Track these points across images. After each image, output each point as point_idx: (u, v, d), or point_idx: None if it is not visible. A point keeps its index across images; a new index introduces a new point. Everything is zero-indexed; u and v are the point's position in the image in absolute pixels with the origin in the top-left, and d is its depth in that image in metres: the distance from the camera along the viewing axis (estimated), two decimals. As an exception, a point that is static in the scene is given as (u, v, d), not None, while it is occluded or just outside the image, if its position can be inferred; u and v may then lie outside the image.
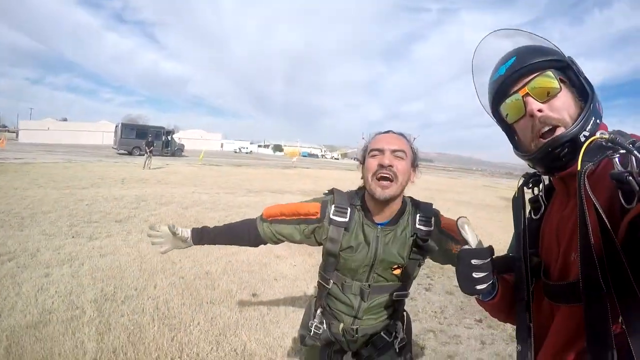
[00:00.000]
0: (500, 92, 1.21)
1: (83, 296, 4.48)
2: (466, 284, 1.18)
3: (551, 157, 1.11)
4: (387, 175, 1.66)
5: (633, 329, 0.83)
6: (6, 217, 7.97)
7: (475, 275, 1.16)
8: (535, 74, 1.12)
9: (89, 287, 4.75)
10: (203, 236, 1.98)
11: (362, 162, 1.80)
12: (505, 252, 1.37)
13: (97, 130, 68.00)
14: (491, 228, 11.56)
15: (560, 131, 1.08)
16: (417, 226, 1.81)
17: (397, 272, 1.84)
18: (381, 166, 1.66)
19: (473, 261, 1.16)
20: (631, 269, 0.81)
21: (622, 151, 0.88)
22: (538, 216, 1.27)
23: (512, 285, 1.25)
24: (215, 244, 2.01)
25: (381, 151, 1.69)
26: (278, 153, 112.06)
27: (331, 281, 1.91)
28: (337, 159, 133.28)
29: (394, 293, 1.87)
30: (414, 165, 1.81)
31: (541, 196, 1.28)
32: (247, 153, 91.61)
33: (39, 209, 9.03)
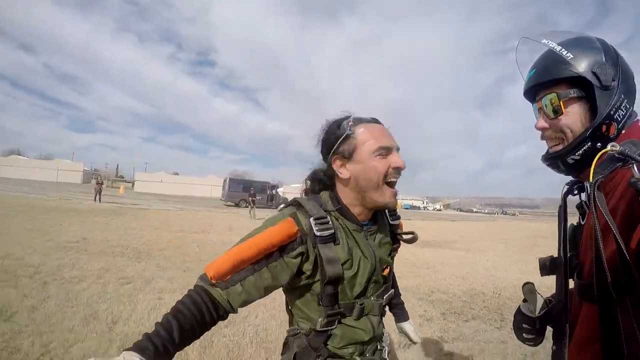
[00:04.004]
0: (528, 97, 1.30)
1: (191, 317, 4.66)
2: (517, 336, 1.41)
3: (553, 168, 1.23)
4: (397, 180, 1.40)
5: None
6: (125, 250, 8.69)
7: (525, 335, 1.37)
8: (547, 92, 1.18)
9: (197, 310, 4.93)
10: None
11: (348, 156, 1.37)
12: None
13: (206, 184, 72.61)
14: None
15: (556, 148, 1.19)
16: (391, 222, 1.58)
17: (386, 272, 1.51)
18: (398, 169, 1.37)
19: (524, 325, 1.35)
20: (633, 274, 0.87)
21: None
22: (585, 221, 1.27)
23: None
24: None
25: (389, 150, 1.36)
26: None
27: (336, 319, 1.38)
28: (440, 209, 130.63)
29: (385, 297, 1.52)
30: None
31: (585, 202, 1.27)
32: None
33: (154, 247, 9.72)
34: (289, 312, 1.53)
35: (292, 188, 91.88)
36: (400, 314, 1.95)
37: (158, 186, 68.23)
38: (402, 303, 1.99)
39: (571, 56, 1.12)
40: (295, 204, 1.39)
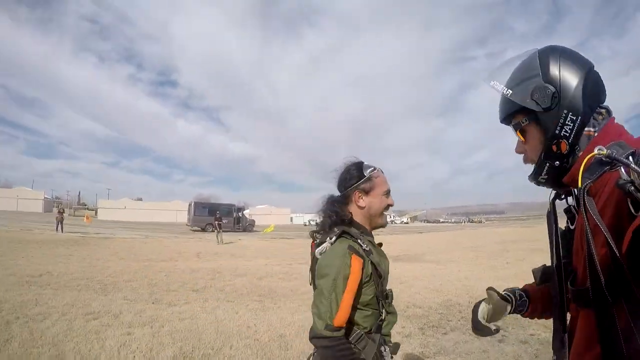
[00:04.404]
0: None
1: (163, 353, 4.50)
2: (474, 331, 1.62)
3: (538, 185, 1.29)
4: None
5: None
6: (90, 283, 8.44)
7: (476, 332, 1.61)
8: (510, 123, 1.30)
9: (169, 345, 4.77)
10: None
11: (367, 192, 1.93)
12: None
13: (171, 209, 71.48)
14: None
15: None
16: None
17: None
18: (390, 206, 1.99)
19: (475, 322, 1.60)
20: (634, 277, 0.88)
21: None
22: (574, 226, 1.27)
23: (546, 294, 1.46)
24: None
25: (389, 192, 1.99)
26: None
27: (384, 310, 1.89)
28: (407, 222, 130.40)
29: None
30: None
31: (573, 206, 1.29)
32: (316, 224, 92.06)
33: (121, 278, 9.47)
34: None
35: (258, 210, 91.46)
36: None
37: (122, 213, 66.68)
38: None
39: (510, 92, 1.22)
40: (344, 233, 1.82)
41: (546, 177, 1.22)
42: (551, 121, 1.15)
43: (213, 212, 36.57)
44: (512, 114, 1.27)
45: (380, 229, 2.05)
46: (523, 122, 1.24)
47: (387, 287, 1.92)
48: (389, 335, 1.95)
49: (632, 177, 0.88)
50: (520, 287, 1.62)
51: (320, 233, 1.94)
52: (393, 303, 1.97)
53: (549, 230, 1.32)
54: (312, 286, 1.95)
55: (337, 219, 1.88)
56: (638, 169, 0.87)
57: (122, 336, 5.03)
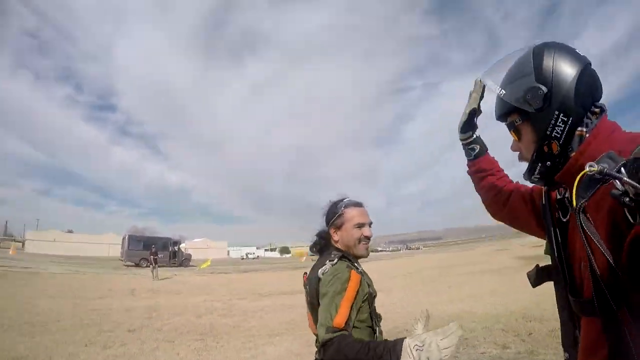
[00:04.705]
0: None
1: (101, 402, 4.22)
2: None
3: (531, 183, 1.34)
4: (368, 242, 2.16)
5: None
6: (16, 324, 7.84)
7: None
8: (506, 122, 1.31)
9: (107, 393, 4.48)
10: None
11: (339, 227, 2.13)
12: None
13: (103, 243, 67.92)
14: (511, 289, 11.88)
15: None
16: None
17: None
18: (367, 237, 2.12)
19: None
20: (634, 285, 0.90)
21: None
22: (567, 218, 1.26)
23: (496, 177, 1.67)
24: None
25: (363, 224, 2.12)
26: (285, 255, 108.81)
27: (377, 329, 2.00)
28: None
29: None
30: None
31: (567, 198, 1.26)
32: (254, 258, 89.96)
33: (50, 317, 8.90)
34: None
35: (195, 243, 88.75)
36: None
37: (51, 246, 62.34)
38: None
39: (504, 92, 1.23)
40: (343, 257, 1.99)
41: (539, 177, 1.24)
42: (543, 122, 1.15)
43: (148, 246, 34.84)
44: (507, 112, 1.27)
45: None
46: (517, 122, 1.24)
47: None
48: None
49: (625, 188, 0.87)
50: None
51: (315, 254, 2.22)
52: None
53: (545, 225, 1.33)
54: (310, 311, 2.14)
55: (326, 243, 2.17)
56: (631, 181, 0.86)
57: (54, 385, 4.66)
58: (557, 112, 1.13)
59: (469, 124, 1.70)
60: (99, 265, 33.81)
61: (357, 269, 1.98)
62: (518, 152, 1.33)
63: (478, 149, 1.71)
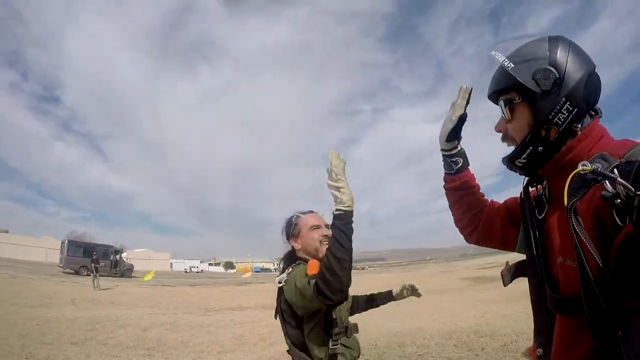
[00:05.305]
0: (492, 100, 1.36)
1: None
2: None
3: (510, 169, 1.30)
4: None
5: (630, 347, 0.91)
6: (-51, 335, 7.35)
7: None
8: (500, 98, 1.28)
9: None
10: None
11: (297, 235, 2.21)
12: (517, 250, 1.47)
13: (41, 247, 64.56)
14: (457, 308, 12.02)
15: (509, 150, 1.28)
16: None
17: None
18: (326, 236, 2.13)
19: None
20: (621, 288, 0.90)
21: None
22: (542, 215, 1.28)
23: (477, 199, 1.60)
24: None
25: (318, 226, 2.19)
26: (230, 270, 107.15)
27: (339, 338, 2.03)
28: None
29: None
30: None
31: (545, 196, 1.29)
32: (198, 272, 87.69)
33: (-16, 326, 8.35)
34: (304, 349, 2.01)
35: (137, 253, 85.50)
36: (386, 292, 2.76)
37: (-18, 247, 58.72)
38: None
39: (512, 65, 1.18)
40: (298, 263, 2.11)
41: (525, 161, 1.22)
42: (547, 105, 1.14)
43: (89, 253, 33.60)
44: (505, 89, 1.25)
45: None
46: (516, 100, 1.21)
47: (352, 322, 2.19)
48: None
49: (617, 190, 0.89)
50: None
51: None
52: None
53: (523, 219, 1.33)
54: (281, 320, 2.14)
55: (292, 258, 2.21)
56: (624, 182, 0.87)
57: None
58: (564, 99, 1.12)
59: (455, 133, 1.58)
60: (37, 271, 32.18)
61: None
62: (502, 133, 1.34)
63: (461, 163, 1.62)
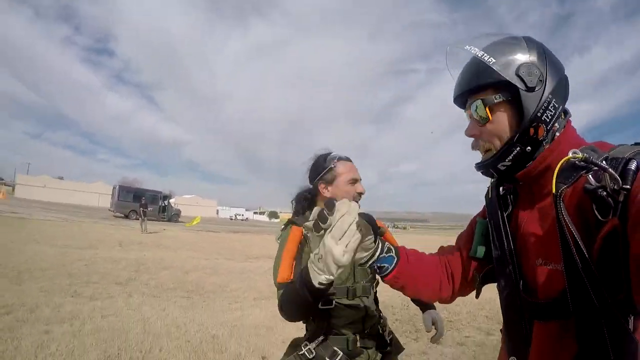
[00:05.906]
0: (458, 104, 1.24)
1: (86, 356, 4.20)
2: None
3: (486, 175, 1.21)
4: (359, 199, 2.03)
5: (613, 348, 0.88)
6: (3, 270, 7.79)
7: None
8: (474, 99, 1.14)
9: (92, 347, 4.46)
10: None
11: (330, 182, 1.99)
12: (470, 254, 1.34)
13: (93, 192, 67.55)
14: None
15: (487, 155, 1.16)
16: None
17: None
18: (360, 194, 2.03)
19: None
20: (604, 282, 0.87)
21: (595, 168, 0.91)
22: (507, 212, 1.23)
23: (420, 268, 1.33)
24: None
25: (356, 180, 2.03)
26: (274, 220, 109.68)
27: (332, 299, 1.81)
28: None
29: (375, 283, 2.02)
30: None
31: (510, 198, 1.26)
32: (242, 220, 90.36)
33: (37, 265, 8.84)
34: None
35: (185, 199, 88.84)
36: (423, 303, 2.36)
37: (41, 192, 61.88)
38: None
39: (493, 60, 1.07)
40: (291, 223, 1.92)
41: (509, 163, 1.10)
42: (533, 102, 1.05)
43: (138, 199, 34.27)
44: (480, 86, 1.12)
45: None
46: (496, 99, 1.09)
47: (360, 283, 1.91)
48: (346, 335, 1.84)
49: (603, 182, 0.88)
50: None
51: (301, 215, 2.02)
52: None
53: (490, 218, 1.25)
54: None
55: (307, 205, 2.06)
56: (613, 172, 0.86)
57: (39, 335, 4.65)
58: (550, 96, 1.05)
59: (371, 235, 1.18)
60: (88, 215, 33.78)
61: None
62: (473, 139, 1.20)
63: (395, 258, 1.28)
